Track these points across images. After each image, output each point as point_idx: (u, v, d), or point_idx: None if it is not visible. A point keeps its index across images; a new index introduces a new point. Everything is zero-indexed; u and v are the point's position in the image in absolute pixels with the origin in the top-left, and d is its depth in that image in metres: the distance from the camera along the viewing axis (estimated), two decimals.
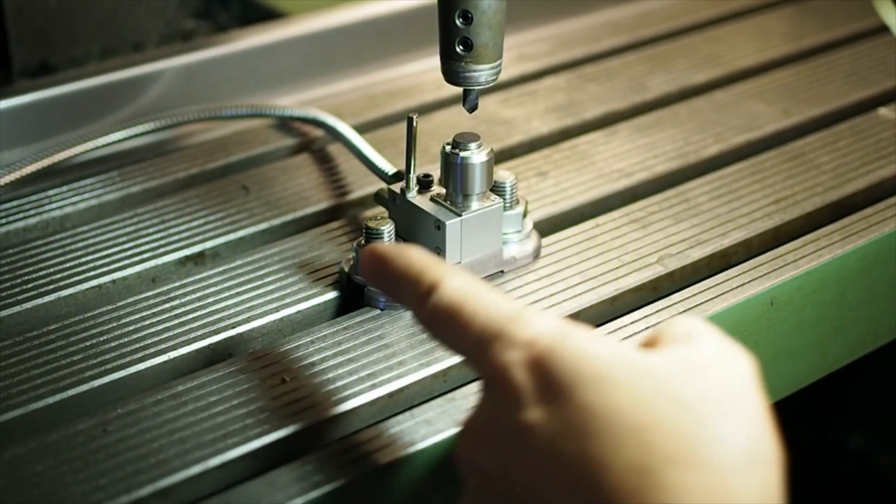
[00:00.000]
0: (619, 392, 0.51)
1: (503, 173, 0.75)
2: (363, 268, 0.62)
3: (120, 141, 0.86)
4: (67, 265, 0.76)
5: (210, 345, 0.69)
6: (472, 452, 0.54)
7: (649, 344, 0.56)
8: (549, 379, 0.52)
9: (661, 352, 0.54)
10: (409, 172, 0.73)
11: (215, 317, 0.71)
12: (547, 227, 0.81)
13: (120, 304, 0.72)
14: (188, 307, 0.72)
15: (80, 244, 0.78)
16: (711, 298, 0.73)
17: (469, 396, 0.65)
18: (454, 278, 0.57)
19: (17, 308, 0.72)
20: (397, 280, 0.59)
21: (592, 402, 0.51)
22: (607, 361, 0.52)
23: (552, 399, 0.51)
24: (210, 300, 0.72)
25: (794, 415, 1.25)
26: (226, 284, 0.74)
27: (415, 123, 0.71)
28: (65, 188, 0.84)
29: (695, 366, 0.52)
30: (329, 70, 1.01)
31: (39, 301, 0.73)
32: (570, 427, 0.50)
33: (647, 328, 0.71)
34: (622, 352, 0.53)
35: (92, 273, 0.75)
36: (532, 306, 0.57)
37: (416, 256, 0.59)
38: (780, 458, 0.52)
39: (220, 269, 0.75)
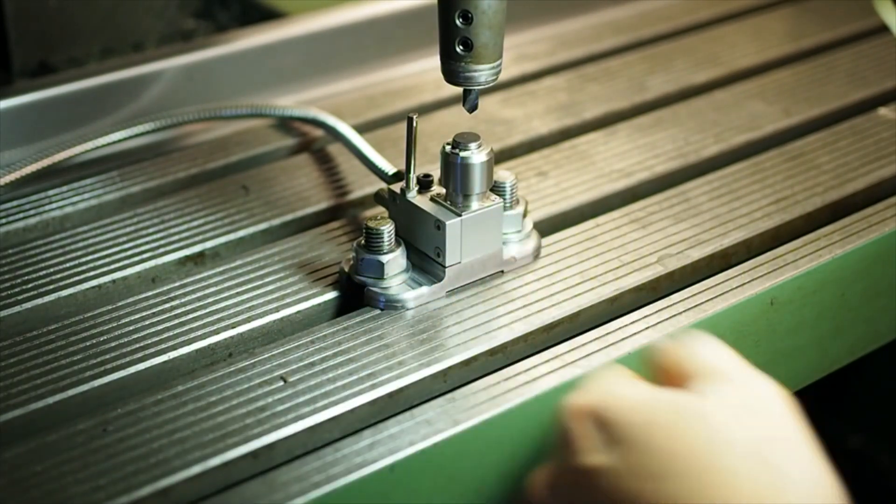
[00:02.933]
0: (675, 435, 0.56)
1: (503, 173, 0.75)
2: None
3: (120, 141, 0.86)
4: (67, 265, 0.76)
5: (210, 345, 0.69)
6: (544, 496, 0.61)
7: (676, 378, 0.60)
8: (605, 428, 0.59)
9: (700, 392, 0.58)
10: (409, 172, 0.73)
11: (215, 317, 0.71)
12: (547, 227, 0.81)
13: (120, 304, 0.72)
14: (188, 307, 0.72)
15: (80, 244, 0.78)
16: (711, 298, 0.73)
17: (469, 396, 0.65)
18: None
19: (17, 308, 0.72)
20: None
21: (649, 445, 0.56)
22: (653, 406, 0.58)
23: (611, 445, 0.58)
24: (210, 300, 0.72)
25: None
26: (226, 284, 0.74)
27: (415, 123, 0.71)
28: (65, 188, 0.84)
29: (743, 406, 0.57)
30: (329, 70, 1.01)
31: (39, 301, 0.73)
32: (630, 468, 0.56)
33: (646, 328, 0.71)
34: (666, 396, 0.59)
35: (92, 273, 0.75)
36: None
37: None
38: (841, 490, 0.56)
39: (220, 269, 0.75)
